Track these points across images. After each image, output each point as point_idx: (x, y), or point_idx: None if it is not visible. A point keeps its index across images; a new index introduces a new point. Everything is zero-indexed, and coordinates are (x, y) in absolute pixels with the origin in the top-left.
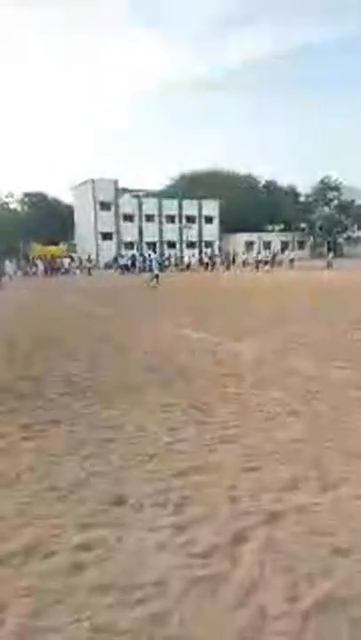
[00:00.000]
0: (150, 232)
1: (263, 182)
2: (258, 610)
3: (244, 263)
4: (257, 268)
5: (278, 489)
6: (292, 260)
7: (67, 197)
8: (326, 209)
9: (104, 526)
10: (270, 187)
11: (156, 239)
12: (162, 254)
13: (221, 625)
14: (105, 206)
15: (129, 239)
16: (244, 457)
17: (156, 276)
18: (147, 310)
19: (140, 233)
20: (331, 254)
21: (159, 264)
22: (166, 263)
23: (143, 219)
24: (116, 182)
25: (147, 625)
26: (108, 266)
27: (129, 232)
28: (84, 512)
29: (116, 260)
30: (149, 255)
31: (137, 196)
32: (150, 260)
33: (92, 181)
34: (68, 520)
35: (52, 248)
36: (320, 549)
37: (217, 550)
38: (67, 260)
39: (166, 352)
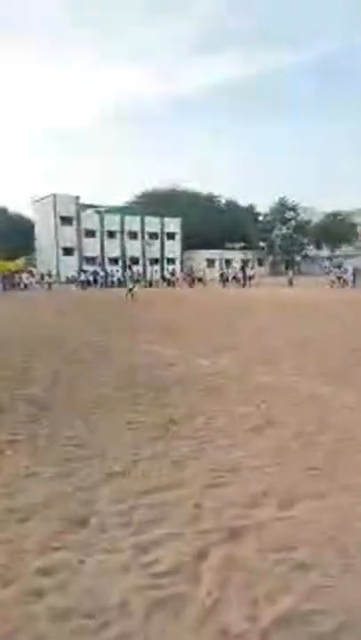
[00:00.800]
0: (112, 248)
1: (223, 202)
2: (219, 629)
3: (201, 280)
4: (223, 284)
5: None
6: (251, 277)
7: (28, 212)
8: (284, 228)
9: (67, 549)
10: (230, 206)
11: (118, 255)
12: (130, 270)
13: None
14: (66, 221)
15: (91, 254)
16: (211, 472)
17: (130, 289)
18: (116, 325)
19: (102, 248)
20: (290, 272)
21: (133, 279)
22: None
23: (105, 234)
24: (77, 198)
25: None
26: (70, 281)
27: (91, 247)
28: (46, 534)
29: (79, 274)
30: (118, 270)
31: (99, 212)
32: (114, 275)
33: (54, 196)
34: (28, 544)
35: (10, 263)
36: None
37: (180, 569)
38: (25, 275)
39: (137, 368)
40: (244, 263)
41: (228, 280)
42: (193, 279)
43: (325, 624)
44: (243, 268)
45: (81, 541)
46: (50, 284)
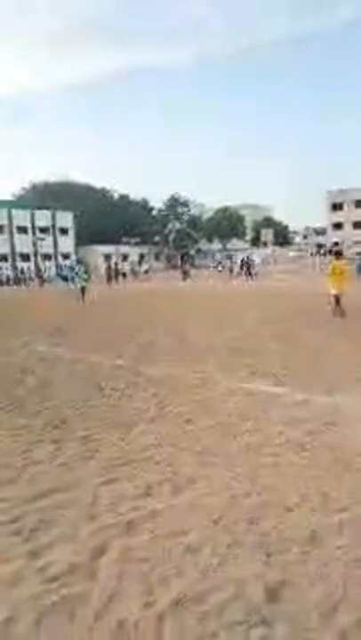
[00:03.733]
0: (1, 244)
1: (117, 195)
2: (116, 622)
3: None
4: (115, 279)
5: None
6: (146, 271)
7: None
8: (177, 223)
9: None
10: (124, 200)
11: (7, 251)
12: (14, 267)
13: None
14: None
15: None
16: (103, 470)
17: (83, 289)
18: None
19: None
20: (187, 265)
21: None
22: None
23: None
24: None
25: None
26: None
27: None
28: None
29: None
30: (8, 268)
31: None
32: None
33: None
34: None
35: None
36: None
37: (75, 569)
38: None
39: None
40: (141, 257)
41: (116, 275)
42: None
43: (217, 599)
44: (140, 263)
45: None
46: None
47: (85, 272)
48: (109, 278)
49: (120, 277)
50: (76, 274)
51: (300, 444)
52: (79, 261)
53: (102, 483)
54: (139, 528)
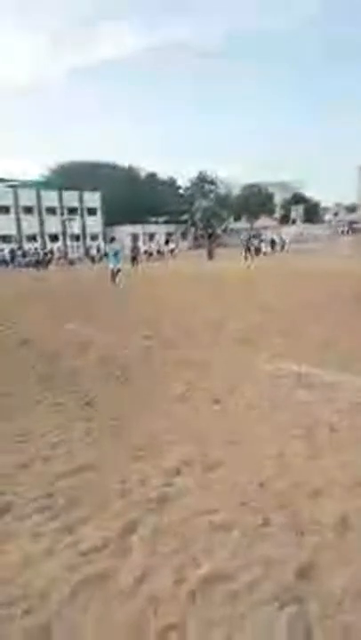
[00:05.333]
0: (30, 224)
1: (144, 175)
2: (147, 598)
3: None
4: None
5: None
6: (172, 251)
7: None
8: (205, 202)
9: None
10: (151, 179)
11: (36, 232)
12: (43, 247)
13: (111, 619)
14: None
15: (6, 232)
16: (132, 449)
17: (118, 271)
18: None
19: (19, 225)
20: (213, 244)
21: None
22: (48, 257)
23: (21, 210)
24: None
25: (35, 636)
26: None
27: (5, 225)
28: None
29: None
30: (37, 248)
31: (13, 187)
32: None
33: None
34: None
35: None
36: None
37: (106, 545)
38: None
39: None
40: (168, 237)
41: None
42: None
43: (245, 578)
44: (167, 242)
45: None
46: None
47: (115, 254)
48: (134, 259)
49: (144, 257)
50: (115, 255)
51: (330, 425)
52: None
53: (132, 460)
54: (168, 506)
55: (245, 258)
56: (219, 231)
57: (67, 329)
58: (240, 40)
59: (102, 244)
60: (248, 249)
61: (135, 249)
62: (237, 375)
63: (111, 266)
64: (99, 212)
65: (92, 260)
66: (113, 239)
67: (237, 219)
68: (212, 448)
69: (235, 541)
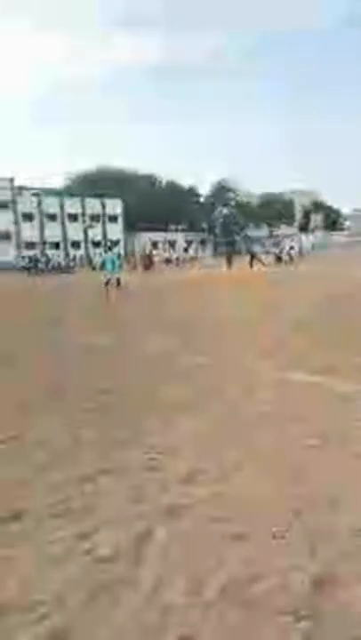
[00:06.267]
0: (53, 232)
1: (164, 182)
2: (162, 607)
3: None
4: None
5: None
6: (193, 258)
7: None
8: (225, 209)
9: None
10: (171, 187)
11: (59, 239)
12: (66, 254)
13: (124, 628)
14: (2, 205)
15: (29, 239)
16: (146, 454)
17: (116, 281)
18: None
19: (42, 233)
20: (231, 252)
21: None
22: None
23: (44, 218)
24: (12, 180)
25: None
26: (13, 268)
27: (29, 232)
28: None
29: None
30: (60, 255)
31: (37, 194)
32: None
33: None
34: None
35: None
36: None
37: (122, 552)
38: None
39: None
40: (188, 244)
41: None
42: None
43: (259, 588)
44: (186, 250)
45: (16, 535)
46: None
47: (113, 262)
48: (145, 267)
49: (163, 264)
50: (112, 263)
51: (346, 436)
52: (110, 249)
53: (146, 468)
54: (183, 513)
55: (251, 265)
56: (238, 238)
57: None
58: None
59: (122, 251)
60: (252, 257)
61: (145, 257)
62: (254, 382)
63: (108, 276)
64: (120, 220)
65: (93, 267)
66: (111, 247)
67: (257, 226)
68: (228, 455)
69: (250, 551)
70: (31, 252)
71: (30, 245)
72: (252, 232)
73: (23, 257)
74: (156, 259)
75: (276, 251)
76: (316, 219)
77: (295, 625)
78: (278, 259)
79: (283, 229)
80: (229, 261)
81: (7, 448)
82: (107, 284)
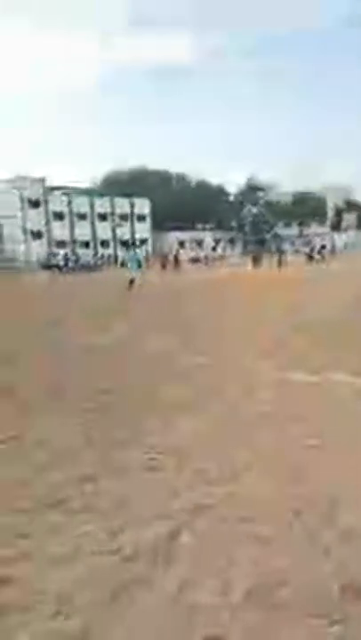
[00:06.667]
0: (82, 230)
1: (194, 181)
2: (188, 607)
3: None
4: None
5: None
6: (222, 257)
7: None
8: (254, 208)
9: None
10: (201, 186)
11: (88, 238)
12: (95, 253)
13: (150, 627)
14: (33, 204)
15: (60, 238)
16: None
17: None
18: None
19: (72, 231)
20: (259, 251)
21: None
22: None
23: (74, 217)
24: (43, 180)
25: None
26: (44, 266)
27: (59, 231)
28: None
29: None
30: (89, 255)
31: (67, 194)
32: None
33: (19, 179)
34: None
35: None
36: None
37: (151, 550)
38: None
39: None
40: (216, 243)
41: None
42: (166, 261)
43: (287, 593)
44: (214, 249)
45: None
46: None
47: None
48: (171, 266)
49: (189, 264)
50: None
51: (351, 436)
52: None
53: (147, 469)
54: (203, 514)
55: (279, 264)
56: (268, 237)
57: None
58: (273, 41)
59: (150, 250)
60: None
61: (165, 256)
62: (255, 382)
63: (133, 274)
64: (148, 219)
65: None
66: (134, 245)
67: (287, 225)
68: (232, 456)
69: (278, 552)
70: (62, 251)
71: (61, 244)
72: (283, 231)
73: (54, 255)
74: (182, 257)
75: (307, 249)
76: (349, 218)
77: (328, 629)
78: (310, 257)
79: (313, 228)
80: (256, 260)
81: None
82: (131, 282)
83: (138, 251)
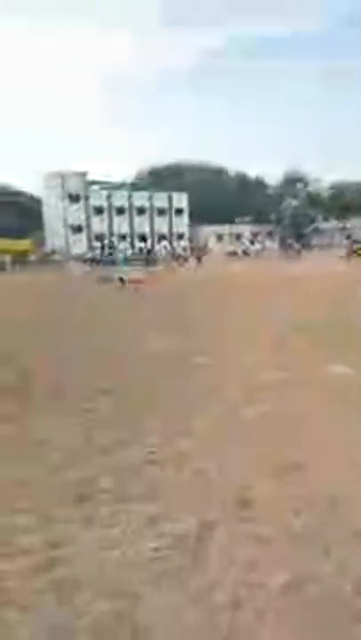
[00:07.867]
0: (121, 225)
1: (233, 174)
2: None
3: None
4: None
5: None
6: (260, 250)
7: (28, 189)
8: (294, 201)
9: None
10: (240, 178)
11: (127, 231)
12: (132, 246)
13: (182, 618)
14: (74, 199)
15: (100, 232)
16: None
17: (120, 279)
18: None
19: (111, 225)
20: (299, 246)
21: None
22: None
23: (113, 211)
24: (84, 174)
25: (115, 617)
26: (84, 260)
27: (99, 225)
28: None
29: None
30: (127, 247)
31: (107, 188)
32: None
33: (61, 173)
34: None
35: (23, 242)
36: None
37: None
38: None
39: None
40: (254, 237)
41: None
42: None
43: (317, 589)
44: (252, 242)
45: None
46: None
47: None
48: (198, 259)
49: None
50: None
51: None
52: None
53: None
54: (248, 509)
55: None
56: (307, 231)
57: None
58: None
59: (188, 244)
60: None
61: (201, 250)
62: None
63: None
64: (185, 213)
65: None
66: (181, 237)
67: (327, 219)
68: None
69: (314, 548)
70: (99, 244)
71: (100, 238)
72: (324, 224)
73: (94, 248)
74: (219, 251)
75: (346, 243)
76: None
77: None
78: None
79: (356, 221)
80: (294, 253)
81: None
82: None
83: (121, 246)
